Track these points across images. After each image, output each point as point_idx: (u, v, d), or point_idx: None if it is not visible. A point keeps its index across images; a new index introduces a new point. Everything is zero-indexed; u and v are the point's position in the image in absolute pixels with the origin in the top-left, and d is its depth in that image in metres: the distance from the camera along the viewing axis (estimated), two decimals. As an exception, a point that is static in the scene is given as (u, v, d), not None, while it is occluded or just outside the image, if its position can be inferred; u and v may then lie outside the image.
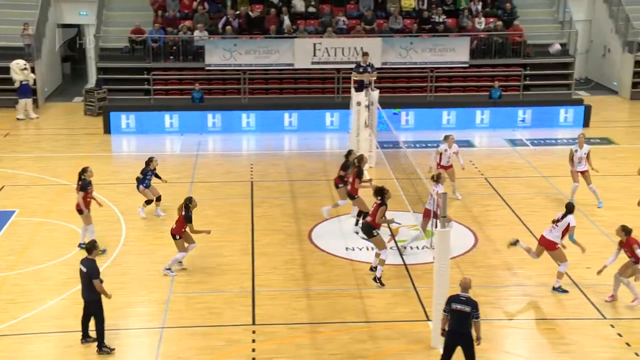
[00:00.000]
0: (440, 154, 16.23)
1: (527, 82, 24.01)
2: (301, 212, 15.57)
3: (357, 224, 14.60)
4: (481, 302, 10.14)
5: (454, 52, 23.56)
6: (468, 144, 20.56)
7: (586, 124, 21.71)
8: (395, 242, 14.14)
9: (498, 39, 23.99)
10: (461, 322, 9.60)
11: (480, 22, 24.55)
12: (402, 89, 23.86)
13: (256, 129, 21.46)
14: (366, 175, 15.33)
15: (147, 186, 15.25)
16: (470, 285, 9.82)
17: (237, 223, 14.88)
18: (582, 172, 15.82)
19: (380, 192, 12.67)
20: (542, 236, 12.36)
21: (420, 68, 23.70)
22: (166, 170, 18.31)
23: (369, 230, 12.59)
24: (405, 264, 13.22)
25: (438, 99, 23.44)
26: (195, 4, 24.61)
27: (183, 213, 12.77)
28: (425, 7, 24.95)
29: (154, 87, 23.37)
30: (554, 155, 19.75)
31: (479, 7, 25.03)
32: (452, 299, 9.74)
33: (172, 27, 23.95)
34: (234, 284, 12.50)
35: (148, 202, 15.25)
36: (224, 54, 23.11)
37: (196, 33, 23.69)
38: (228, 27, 23.72)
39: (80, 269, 10.59)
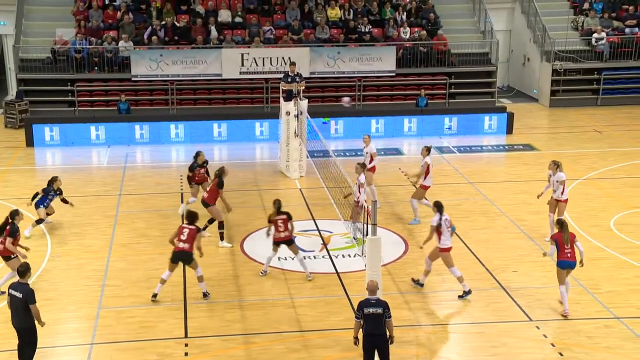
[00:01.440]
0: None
1: (453, 91, 24.58)
2: (233, 222, 15.46)
3: (204, 228, 14.12)
4: (413, 308, 10.31)
5: (381, 61, 23.92)
6: (397, 151, 20.87)
7: (509, 130, 22.36)
8: (327, 250, 14.19)
9: (423, 49, 24.48)
10: (376, 325, 9.76)
11: (406, 32, 25.01)
12: (330, 98, 24.04)
13: (185, 140, 21.24)
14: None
15: (47, 206, 14.61)
16: (378, 287, 9.97)
17: (167, 235, 14.60)
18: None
19: (192, 217, 12.10)
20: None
21: (348, 77, 23.95)
22: (93, 182, 17.94)
23: (189, 257, 11.98)
24: (337, 272, 13.28)
25: (366, 107, 23.72)
26: (119, 14, 24.19)
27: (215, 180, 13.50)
28: (351, 17, 25.24)
29: (79, 98, 22.84)
30: (480, 161, 20.26)
31: (404, 17, 25.50)
32: (363, 304, 9.84)
33: (95, 38, 23.47)
34: (166, 297, 12.29)
35: (39, 221, 14.50)
36: (150, 65, 22.79)
37: (121, 43, 23.29)
38: (154, 38, 23.41)
39: (12, 295, 9.89)
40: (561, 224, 11.93)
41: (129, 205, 15.88)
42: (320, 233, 14.98)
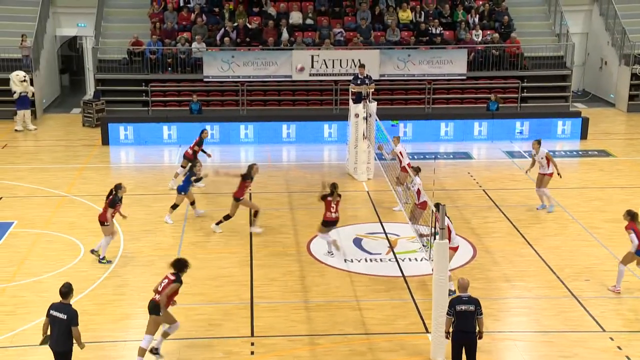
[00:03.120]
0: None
1: (525, 95, 24.12)
2: (300, 223, 15.58)
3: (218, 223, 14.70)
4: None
5: (452, 64, 23.67)
6: (466, 155, 20.61)
7: (584, 136, 21.78)
8: (394, 253, 14.14)
9: (495, 52, 24.11)
10: (468, 322, 9.86)
11: (478, 35, 24.67)
12: (400, 100, 23.93)
13: (254, 141, 21.49)
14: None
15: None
16: (469, 284, 10.06)
17: (235, 235, 14.87)
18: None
19: (181, 265, 10.56)
20: None
21: (418, 80, 23.80)
22: (165, 181, 18.35)
23: (156, 308, 10.43)
24: (403, 276, 13.21)
25: (436, 110, 23.52)
26: (193, 16, 24.71)
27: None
28: (422, 19, 25.07)
29: (152, 98, 23.41)
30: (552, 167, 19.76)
31: (476, 19, 25.16)
32: (455, 301, 9.96)
33: (170, 39, 24.03)
34: (233, 296, 12.47)
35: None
36: (222, 66, 23.18)
37: (194, 45, 23.77)
38: (226, 39, 23.80)
39: (54, 316, 9.34)
40: (632, 215, 12.22)
41: (199, 205, 16.16)
42: (387, 236, 14.92)
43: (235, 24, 24.36)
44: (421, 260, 13.68)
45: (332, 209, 13.57)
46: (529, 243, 14.53)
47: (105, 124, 21.33)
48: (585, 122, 21.87)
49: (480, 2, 25.84)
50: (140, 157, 20.39)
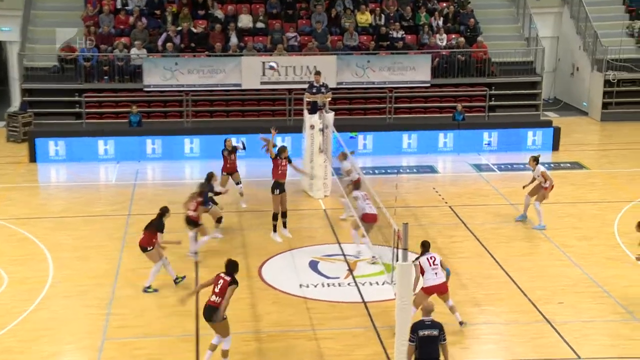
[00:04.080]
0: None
1: (493, 103, 24.49)
2: (250, 246, 15.50)
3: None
4: (448, 342, 10.21)
5: (414, 70, 23.93)
6: (431, 169, 20.80)
7: (555, 147, 22.19)
8: (354, 277, 14.15)
9: (461, 57, 24.45)
10: (431, 348, 9.88)
11: (442, 39, 25.00)
12: (359, 110, 24.07)
13: (200, 156, 21.37)
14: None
15: (209, 205, 15.53)
16: (433, 309, 10.12)
17: (179, 259, 14.72)
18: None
19: (234, 266, 11.25)
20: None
21: (378, 88, 23.99)
22: (100, 201, 18.10)
23: (215, 313, 11.01)
24: (364, 301, 13.22)
25: (398, 121, 23.72)
26: (132, 19, 24.53)
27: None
28: (382, 22, 25.32)
29: (87, 110, 23.13)
30: (522, 180, 20.05)
31: (440, 22, 25.50)
32: (418, 326, 9.98)
33: (106, 45, 23.81)
34: (177, 327, 12.32)
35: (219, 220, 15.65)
36: (164, 74, 23.04)
37: (133, 51, 23.58)
38: (169, 45, 23.68)
39: None
40: None
41: (138, 227, 15.94)
42: (346, 258, 14.93)
43: (179, 28, 24.27)
44: (383, 284, 13.72)
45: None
46: (498, 264, 14.69)
47: (32, 139, 20.98)
48: (556, 132, 22.29)
49: (445, 4, 26.22)
50: (72, 176, 20.09)
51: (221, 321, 10.98)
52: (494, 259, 14.94)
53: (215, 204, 15.97)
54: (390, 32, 24.91)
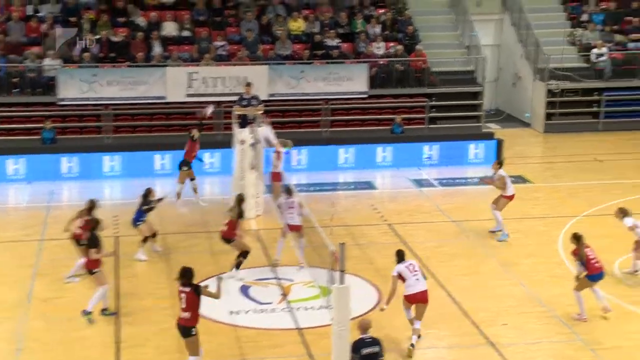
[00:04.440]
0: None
1: (433, 114, 24.89)
2: (176, 270, 15.31)
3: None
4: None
5: (351, 81, 24.15)
6: (369, 185, 21.00)
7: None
8: (288, 302, 14.16)
9: (400, 66, 24.80)
10: None
11: (379, 47, 25.32)
12: (292, 123, 24.15)
13: (122, 174, 21.15)
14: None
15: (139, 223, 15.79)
16: (370, 325, 10.42)
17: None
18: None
19: (190, 274, 11.48)
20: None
21: (313, 100, 24.11)
22: (10, 226, 17.71)
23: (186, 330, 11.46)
24: (299, 328, 13.24)
25: (334, 134, 23.86)
26: (44, 26, 24.15)
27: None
28: (317, 30, 25.51)
29: (-5, 125, 22.66)
30: (464, 196, 20.46)
31: (377, 30, 25.83)
32: (359, 345, 10.26)
33: (16, 55, 23.38)
34: (95, 361, 12.14)
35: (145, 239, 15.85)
36: (81, 86, 22.74)
37: (46, 61, 23.21)
38: (86, 55, 23.39)
39: None
40: (577, 239, 13.36)
41: (52, 252, 15.71)
42: (279, 282, 14.95)
43: (97, 37, 24.00)
44: (319, 308, 13.77)
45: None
46: (440, 284, 14.90)
47: None
48: (499, 145, 22.76)
49: (382, 11, 26.58)
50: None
51: (192, 336, 11.29)
52: (435, 279, 15.13)
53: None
54: (325, 40, 25.11)
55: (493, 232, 17.27)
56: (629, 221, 14.51)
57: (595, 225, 17.82)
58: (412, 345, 12.46)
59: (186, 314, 11.27)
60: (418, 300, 12.57)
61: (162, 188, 20.40)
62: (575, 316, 13.44)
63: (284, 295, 14.45)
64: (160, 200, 16.36)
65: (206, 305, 13.79)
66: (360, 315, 13.44)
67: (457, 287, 14.76)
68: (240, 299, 14.30)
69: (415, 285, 12.53)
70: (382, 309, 12.75)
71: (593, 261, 13.33)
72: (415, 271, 12.61)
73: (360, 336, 10.38)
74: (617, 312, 13.77)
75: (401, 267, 12.66)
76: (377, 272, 15.47)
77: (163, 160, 21.44)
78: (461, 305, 14.05)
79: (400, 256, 12.85)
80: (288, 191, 15.59)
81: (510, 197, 17.20)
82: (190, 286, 11.32)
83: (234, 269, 14.98)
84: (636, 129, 25.87)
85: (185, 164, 18.86)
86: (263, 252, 16.28)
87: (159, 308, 13.92)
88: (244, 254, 14.99)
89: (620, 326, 13.34)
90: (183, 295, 11.28)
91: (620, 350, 12.53)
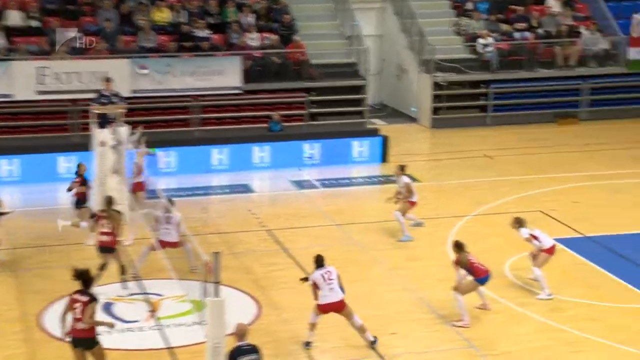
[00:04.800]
0: None
1: (313, 110, 25.03)
2: (27, 290, 14.95)
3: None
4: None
5: (223, 75, 23.99)
6: (246, 188, 20.91)
7: (384, 158, 23.01)
8: (156, 319, 13.91)
9: (276, 59, 24.81)
10: None
11: (253, 38, 25.26)
12: (159, 123, 23.78)
13: (-39, 184, 20.33)
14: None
15: None
16: (247, 331, 10.52)
17: None
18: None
19: (88, 278, 11.43)
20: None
21: (181, 96, 23.82)
22: None
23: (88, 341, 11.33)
24: (169, 347, 13.03)
25: (206, 134, 23.66)
26: None
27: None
28: (184, 20, 25.21)
29: None
30: (348, 197, 20.64)
31: (251, 19, 25.74)
32: (237, 353, 10.30)
33: None
34: None
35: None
36: None
37: None
38: None
39: None
40: (459, 247, 13.84)
41: None
42: (147, 297, 14.68)
43: None
44: (192, 325, 13.59)
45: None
46: (323, 292, 14.92)
47: None
48: (385, 142, 23.13)
49: (255, -1, 26.54)
50: None
51: (97, 346, 11.27)
52: (319, 287, 15.15)
53: None
54: (194, 30, 24.85)
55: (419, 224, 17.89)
56: (524, 232, 14.97)
57: (484, 225, 18.35)
58: (374, 341, 12.91)
59: (83, 325, 11.10)
60: (332, 310, 12.80)
61: (11, 197, 19.82)
62: (457, 323, 13.70)
63: (153, 311, 14.19)
64: (5, 214, 15.72)
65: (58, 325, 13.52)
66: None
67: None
68: (102, 318, 13.84)
69: (329, 296, 12.72)
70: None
71: (477, 265, 13.75)
72: (331, 279, 12.76)
73: (237, 344, 10.36)
74: (507, 315, 14.19)
75: (317, 275, 12.84)
76: (255, 283, 15.39)
77: (11, 166, 20.74)
78: (347, 315, 14.09)
79: (318, 262, 13.00)
80: (169, 204, 15.42)
81: (414, 203, 17.58)
82: (88, 296, 11.15)
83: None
84: (523, 123, 26.83)
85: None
86: (129, 265, 15.90)
87: (8, 332, 13.37)
88: (123, 269, 14.75)
89: (510, 329, 13.73)
90: (78, 305, 11.08)
91: (510, 355, 12.89)
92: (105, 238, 14.64)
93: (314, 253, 16.40)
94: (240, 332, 10.48)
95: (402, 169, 17.71)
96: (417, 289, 15.15)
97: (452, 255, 14.15)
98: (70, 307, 11.15)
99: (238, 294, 14.82)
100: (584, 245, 17.10)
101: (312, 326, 12.95)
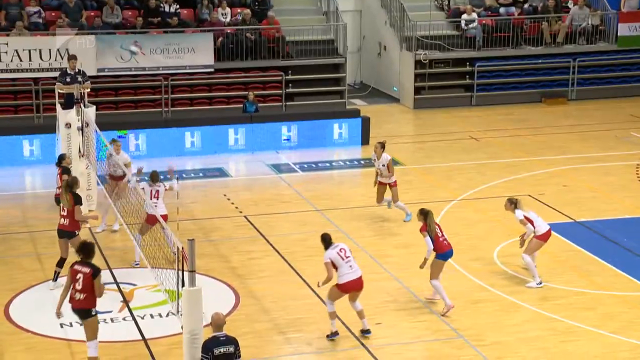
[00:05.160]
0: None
1: (290, 90, 25.09)
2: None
3: (55, 278, 14.41)
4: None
5: (194, 53, 24.02)
6: (221, 172, 20.97)
7: (365, 141, 23.13)
8: (130, 310, 13.96)
9: (250, 35, 24.82)
10: None
11: (225, 14, 25.26)
12: (128, 103, 23.76)
13: None
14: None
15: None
16: (224, 321, 10.55)
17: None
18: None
19: (89, 250, 11.87)
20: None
21: (150, 75, 23.82)
22: None
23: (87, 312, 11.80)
24: (144, 339, 13.10)
25: (177, 115, 23.68)
26: None
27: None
28: (152, -7, 25.16)
29: None
30: (329, 182, 20.75)
31: (222, -8, 25.73)
32: (211, 343, 10.31)
33: None
34: None
35: None
36: None
37: None
38: None
39: None
40: (425, 214, 13.82)
41: None
42: (119, 287, 14.71)
43: None
44: (167, 315, 13.66)
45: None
46: (305, 282, 15.06)
47: None
48: (365, 123, 23.25)
49: (226, -30, 26.49)
50: None
51: (91, 317, 11.68)
52: (300, 276, 15.29)
53: None
54: (162, 5, 24.80)
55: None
56: (519, 214, 15.02)
57: (471, 210, 18.54)
58: (368, 331, 13.11)
59: (81, 295, 11.56)
60: (353, 289, 12.88)
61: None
62: (443, 310, 13.88)
63: (126, 301, 14.22)
64: None
65: (31, 318, 13.54)
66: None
67: (325, 285, 14.91)
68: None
69: (349, 273, 12.79)
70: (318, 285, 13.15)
71: (441, 239, 13.85)
72: (348, 257, 12.83)
73: (213, 334, 10.41)
74: (497, 304, 14.35)
75: (332, 254, 12.79)
76: (233, 271, 15.48)
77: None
78: (330, 305, 14.24)
79: (326, 241, 12.96)
80: (153, 177, 15.42)
81: (396, 183, 17.67)
82: (90, 267, 11.59)
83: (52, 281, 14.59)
84: (509, 103, 27.07)
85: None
86: (99, 253, 15.91)
87: (-26, 325, 13.41)
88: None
89: (500, 318, 13.89)
90: (80, 275, 11.54)
91: (500, 345, 13.07)
92: (62, 221, 14.53)
93: (295, 240, 16.75)
94: (217, 323, 10.51)
95: (382, 146, 17.59)
96: (403, 277, 15.29)
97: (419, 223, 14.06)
98: (72, 279, 11.59)
99: (215, 283, 14.91)
100: (574, 231, 17.32)
101: (333, 315, 12.96)
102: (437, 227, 13.94)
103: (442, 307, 13.92)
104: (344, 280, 12.82)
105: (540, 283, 14.85)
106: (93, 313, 11.71)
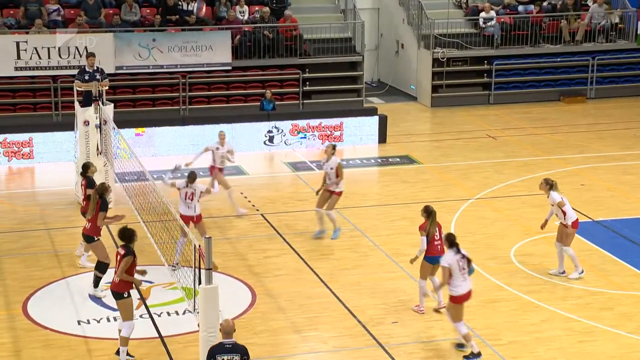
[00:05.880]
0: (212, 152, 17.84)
1: (308, 88, 25.08)
2: (11, 276, 15.02)
3: (96, 284, 14.33)
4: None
5: (212, 51, 24.04)
6: (237, 170, 20.97)
7: (382, 139, 23.08)
8: (147, 307, 14.00)
9: (268, 33, 24.83)
10: None
11: (243, 12, 25.28)
12: (146, 101, 23.82)
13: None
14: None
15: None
16: (235, 328, 10.35)
17: None
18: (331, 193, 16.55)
19: (127, 235, 12.40)
20: None
21: (168, 73, 23.86)
22: None
23: (116, 293, 12.32)
24: (161, 336, 13.13)
25: (195, 113, 23.70)
26: None
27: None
28: (170, -9, 25.21)
29: None
30: (345, 180, 20.66)
31: (241, -9, 25.76)
32: (216, 351, 10.15)
33: None
34: None
35: None
36: None
37: None
38: None
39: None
40: (429, 213, 13.57)
41: None
42: (137, 286, 14.71)
43: None
44: (184, 313, 13.70)
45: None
46: (322, 280, 15.06)
47: None
48: (383, 122, 23.19)
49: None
50: None
51: (123, 299, 12.17)
52: (317, 274, 15.29)
53: None
54: (180, 3, 24.84)
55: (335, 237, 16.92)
56: (556, 196, 14.64)
57: (488, 209, 18.48)
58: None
59: (116, 277, 12.20)
60: (464, 301, 12.54)
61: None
62: (414, 307, 13.89)
63: (142, 299, 14.27)
64: None
65: (48, 315, 13.61)
66: (232, 319, 13.48)
67: (341, 284, 14.96)
68: (90, 306, 14.06)
69: (462, 286, 12.40)
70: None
71: (436, 242, 13.50)
72: (464, 269, 12.40)
73: (221, 340, 10.26)
74: (514, 303, 14.31)
75: (452, 260, 12.36)
76: (249, 269, 15.50)
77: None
78: (346, 304, 14.24)
79: (451, 242, 12.49)
80: (191, 178, 15.32)
81: (340, 193, 16.70)
82: (124, 249, 12.19)
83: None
84: (527, 102, 26.96)
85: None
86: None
87: (-8, 321, 13.50)
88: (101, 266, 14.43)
89: (517, 318, 13.85)
90: (118, 257, 12.25)
91: (517, 345, 13.03)
92: (86, 225, 14.58)
93: (310, 239, 16.73)
94: (225, 329, 10.28)
95: (333, 147, 16.71)
96: (418, 276, 15.23)
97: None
98: (115, 261, 12.32)
99: (232, 281, 14.93)
100: (592, 230, 17.25)
101: (468, 337, 12.43)
102: (437, 229, 13.61)
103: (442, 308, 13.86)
104: (457, 293, 12.39)
105: (582, 272, 14.84)
106: (125, 295, 12.22)
